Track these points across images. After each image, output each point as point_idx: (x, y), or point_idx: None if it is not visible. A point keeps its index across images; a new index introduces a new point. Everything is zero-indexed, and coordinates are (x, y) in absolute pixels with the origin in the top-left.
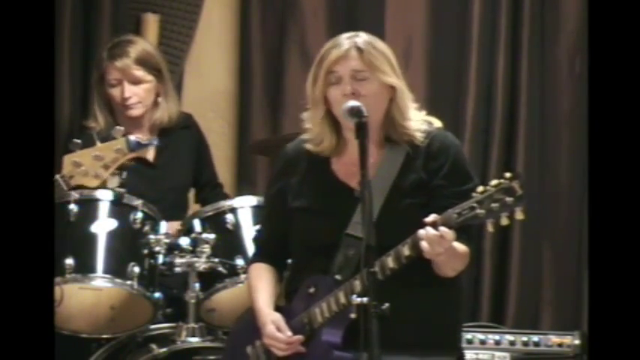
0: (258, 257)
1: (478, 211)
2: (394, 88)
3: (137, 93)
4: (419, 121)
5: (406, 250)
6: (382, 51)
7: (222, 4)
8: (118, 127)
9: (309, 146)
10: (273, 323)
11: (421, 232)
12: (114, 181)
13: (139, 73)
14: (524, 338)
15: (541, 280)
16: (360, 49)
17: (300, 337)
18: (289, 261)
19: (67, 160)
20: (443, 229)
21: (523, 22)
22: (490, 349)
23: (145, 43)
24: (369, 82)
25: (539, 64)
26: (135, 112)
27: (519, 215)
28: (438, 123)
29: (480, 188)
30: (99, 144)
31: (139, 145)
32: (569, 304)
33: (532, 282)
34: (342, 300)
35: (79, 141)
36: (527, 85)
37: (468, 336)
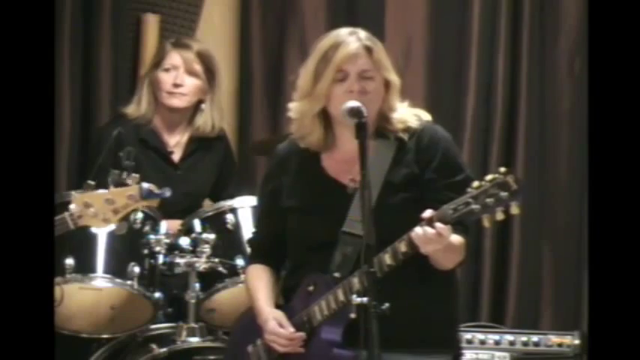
0: (255, 259)
1: (473, 206)
2: (389, 83)
3: (188, 85)
4: (407, 113)
5: (403, 247)
6: (382, 48)
7: (222, 3)
8: (134, 175)
9: (298, 142)
10: (274, 319)
11: (417, 229)
12: (122, 228)
13: (198, 67)
14: (524, 338)
15: (541, 280)
16: (368, 49)
17: (301, 334)
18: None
19: (78, 198)
20: (439, 225)
21: (523, 22)
22: (490, 349)
23: (208, 47)
24: (374, 80)
25: (539, 64)
26: (177, 102)
27: (514, 210)
28: (426, 116)
29: (476, 183)
30: (112, 188)
31: (152, 194)
32: (569, 304)
33: (532, 282)
34: (341, 298)
35: (93, 182)
36: (527, 85)
37: (468, 336)
